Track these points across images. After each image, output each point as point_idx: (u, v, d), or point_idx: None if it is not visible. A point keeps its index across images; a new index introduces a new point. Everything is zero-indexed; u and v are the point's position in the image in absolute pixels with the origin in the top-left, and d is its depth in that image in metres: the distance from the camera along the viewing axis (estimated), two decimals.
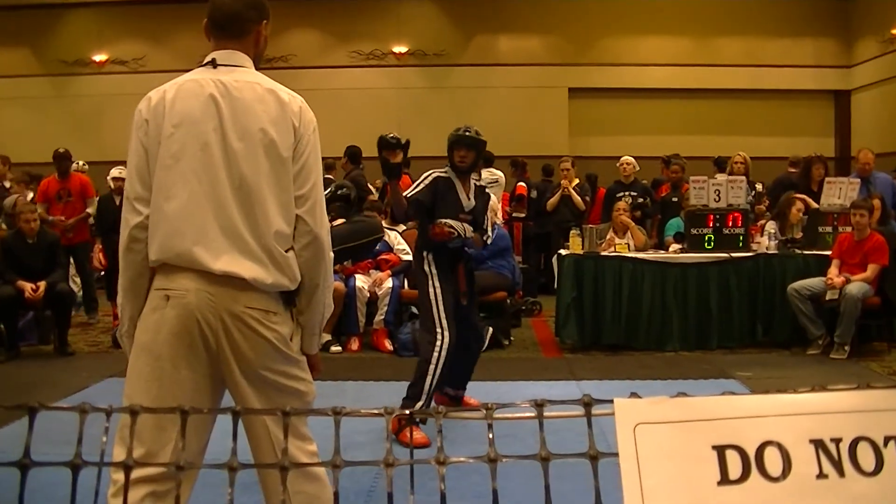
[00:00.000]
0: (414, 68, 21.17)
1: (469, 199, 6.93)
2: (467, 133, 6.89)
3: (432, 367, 6.53)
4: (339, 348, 9.97)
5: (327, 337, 9.71)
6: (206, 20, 3.46)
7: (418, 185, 6.79)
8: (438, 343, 6.55)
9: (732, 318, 10.13)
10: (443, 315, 6.64)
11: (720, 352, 9.91)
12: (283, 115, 3.28)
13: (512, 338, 10.58)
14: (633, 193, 12.93)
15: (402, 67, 21.21)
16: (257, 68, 3.46)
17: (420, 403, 6.53)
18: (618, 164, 13.59)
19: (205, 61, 3.38)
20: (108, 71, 21.22)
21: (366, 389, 8.26)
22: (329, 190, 9.60)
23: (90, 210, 12.22)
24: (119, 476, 3.02)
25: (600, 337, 10.06)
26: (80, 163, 14.61)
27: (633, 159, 13.52)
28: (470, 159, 6.86)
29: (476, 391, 7.93)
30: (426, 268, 6.76)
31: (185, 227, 3.19)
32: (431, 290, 6.69)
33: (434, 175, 6.87)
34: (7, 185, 13.75)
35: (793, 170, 13.02)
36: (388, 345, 10.07)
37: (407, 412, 1.37)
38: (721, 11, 20.63)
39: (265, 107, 3.27)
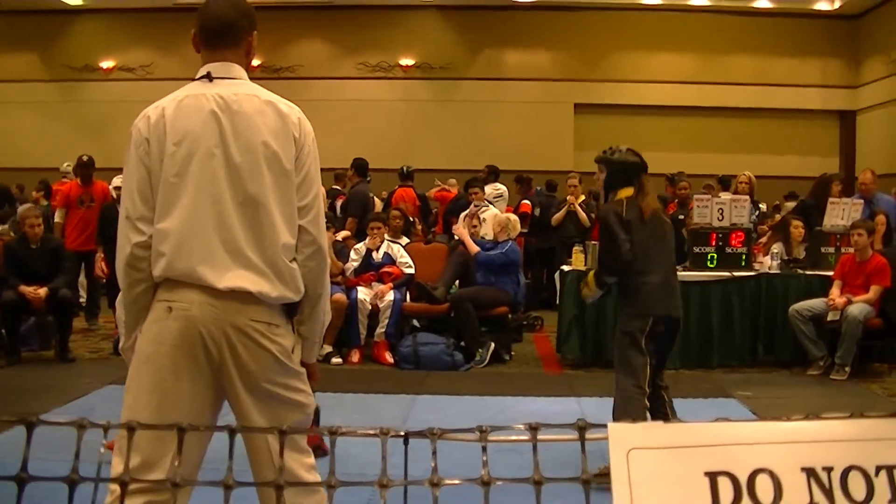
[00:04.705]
0: (421, 81, 21.23)
1: None
2: None
3: None
4: (340, 360, 9.96)
5: (328, 348, 9.73)
6: (197, 31, 3.44)
7: None
8: None
9: (734, 337, 10.11)
10: None
11: (721, 370, 9.89)
12: (284, 126, 3.29)
13: (513, 353, 10.56)
14: None
15: (409, 80, 21.26)
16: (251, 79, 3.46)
17: None
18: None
19: (199, 75, 3.37)
20: (115, 78, 21.32)
21: (366, 402, 8.26)
22: None
23: None
24: (117, 487, 3.03)
25: (602, 353, 10.01)
26: (66, 164, 14.62)
27: None
28: None
29: (475, 405, 7.92)
30: None
31: (189, 245, 3.19)
32: None
33: None
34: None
35: None
36: (389, 357, 10.04)
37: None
38: (728, 30, 20.68)
39: (265, 119, 3.27)
